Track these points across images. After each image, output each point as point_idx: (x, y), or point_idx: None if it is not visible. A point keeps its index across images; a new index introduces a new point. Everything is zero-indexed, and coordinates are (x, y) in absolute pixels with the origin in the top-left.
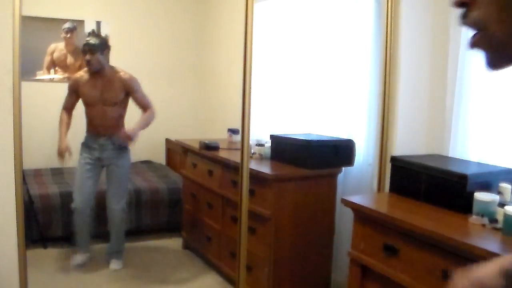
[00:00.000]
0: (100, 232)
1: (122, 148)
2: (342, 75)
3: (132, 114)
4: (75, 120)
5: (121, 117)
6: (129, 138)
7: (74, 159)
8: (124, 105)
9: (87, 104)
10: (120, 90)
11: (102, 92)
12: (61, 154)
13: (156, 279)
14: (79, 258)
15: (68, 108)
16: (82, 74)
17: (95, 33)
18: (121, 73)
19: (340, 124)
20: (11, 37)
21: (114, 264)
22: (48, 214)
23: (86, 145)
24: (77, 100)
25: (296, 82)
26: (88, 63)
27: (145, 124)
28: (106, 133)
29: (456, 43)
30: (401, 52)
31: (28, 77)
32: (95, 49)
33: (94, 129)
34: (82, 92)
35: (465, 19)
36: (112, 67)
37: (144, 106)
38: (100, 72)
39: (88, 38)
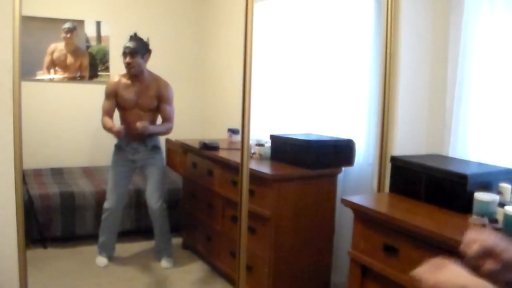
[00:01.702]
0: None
1: (154, 149)
2: (342, 75)
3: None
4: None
5: (154, 122)
6: (142, 128)
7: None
8: (158, 111)
9: (123, 108)
10: (155, 96)
11: (138, 97)
12: (114, 131)
13: (156, 279)
14: (104, 260)
15: (108, 113)
16: (119, 77)
17: (137, 37)
18: (160, 80)
19: (340, 124)
20: (11, 37)
21: (165, 263)
22: (48, 214)
23: (119, 147)
24: (115, 105)
25: (296, 82)
26: (128, 65)
27: (160, 131)
28: (139, 137)
29: (456, 43)
30: (401, 52)
31: (28, 77)
32: (135, 52)
33: (128, 133)
34: (119, 96)
35: None
36: (150, 73)
37: (167, 118)
38: (138, 76)
39: (129, 41)
